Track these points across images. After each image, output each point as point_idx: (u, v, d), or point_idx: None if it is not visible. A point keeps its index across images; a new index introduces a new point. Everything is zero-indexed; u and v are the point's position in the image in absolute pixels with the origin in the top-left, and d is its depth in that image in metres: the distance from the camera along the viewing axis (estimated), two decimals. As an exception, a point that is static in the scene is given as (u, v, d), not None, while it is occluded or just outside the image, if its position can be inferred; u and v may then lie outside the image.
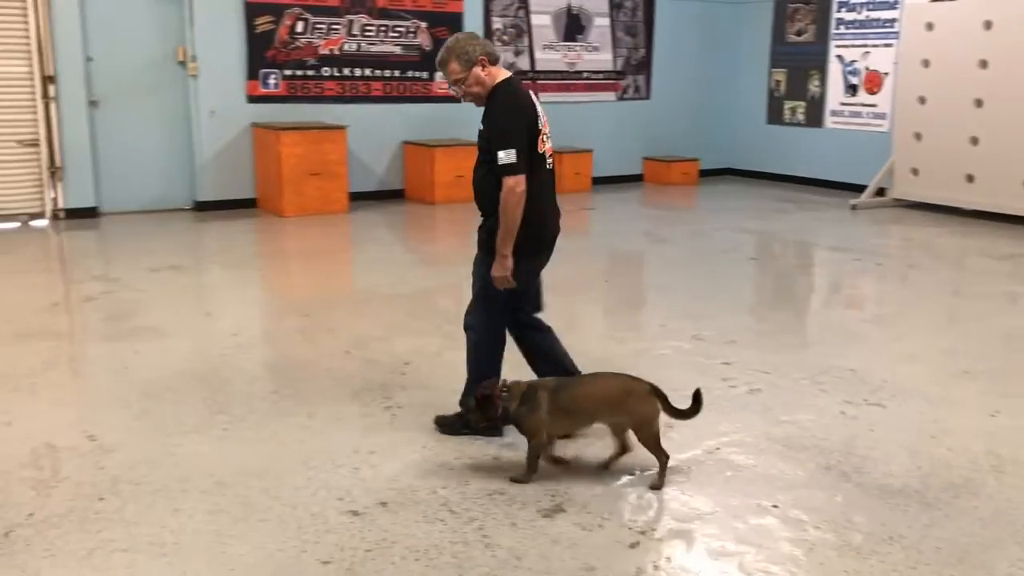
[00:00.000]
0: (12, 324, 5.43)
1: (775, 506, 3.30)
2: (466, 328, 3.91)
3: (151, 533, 3.04)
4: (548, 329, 4.03)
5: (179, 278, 6.74)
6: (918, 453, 3.77)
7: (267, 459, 3.64)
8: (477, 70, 3.65)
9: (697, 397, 3.48)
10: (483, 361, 3.82)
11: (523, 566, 2.87)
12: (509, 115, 3.62)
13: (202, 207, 9.44)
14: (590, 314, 5.98)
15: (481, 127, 3.71)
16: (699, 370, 4.74)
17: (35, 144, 8.66)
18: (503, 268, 3.65)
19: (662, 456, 3.44)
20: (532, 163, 3.63)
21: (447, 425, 3.88)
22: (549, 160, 3.79)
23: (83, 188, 8.92)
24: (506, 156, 3.54)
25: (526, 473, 3.45)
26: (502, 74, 3.72)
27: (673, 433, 3.93)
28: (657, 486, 3.41)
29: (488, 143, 3.64)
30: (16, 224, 8.61)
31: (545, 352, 3.98)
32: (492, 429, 3.73)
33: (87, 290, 6.36)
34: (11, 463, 3.55)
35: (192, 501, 3.27)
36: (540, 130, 3.67)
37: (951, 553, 2.99)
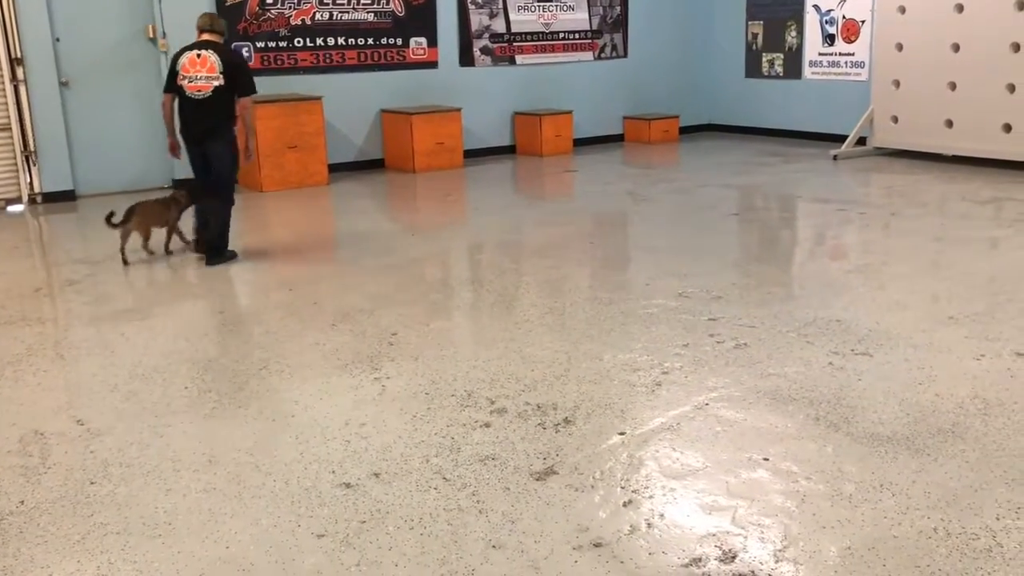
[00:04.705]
0: (-6, 312, 5.39)
1: (766, 459, 3.32)
2: None
3: (144, 515, 3.04)
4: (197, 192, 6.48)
5: (161, 258, 6.68)
6: (906, 400, 3.80)
7: (258, 435, 3.63)
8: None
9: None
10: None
11: (517, 529, 2.89)
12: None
13: (181, 185, 9.33)
14: (576, 275, 5.98)
15: None
16: (685, 327, 4.75)
17: (6, 128, 8.54)
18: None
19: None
20: (175, 90, 6.19)
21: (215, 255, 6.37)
22: (191, 93, 6.12)
23: (59, 171, 8.82)
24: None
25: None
26: (200, 38, 6.21)
27: (662, 391, 3.95)
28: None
29: None
30: (-8, 210, 8.52)
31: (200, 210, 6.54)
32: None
33: (69, 274, 6.31)
34: None
35: (184, 481, 3.27)
36: (178, 72, 6.14)
37: (940, 497, 3.02)
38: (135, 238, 6.44)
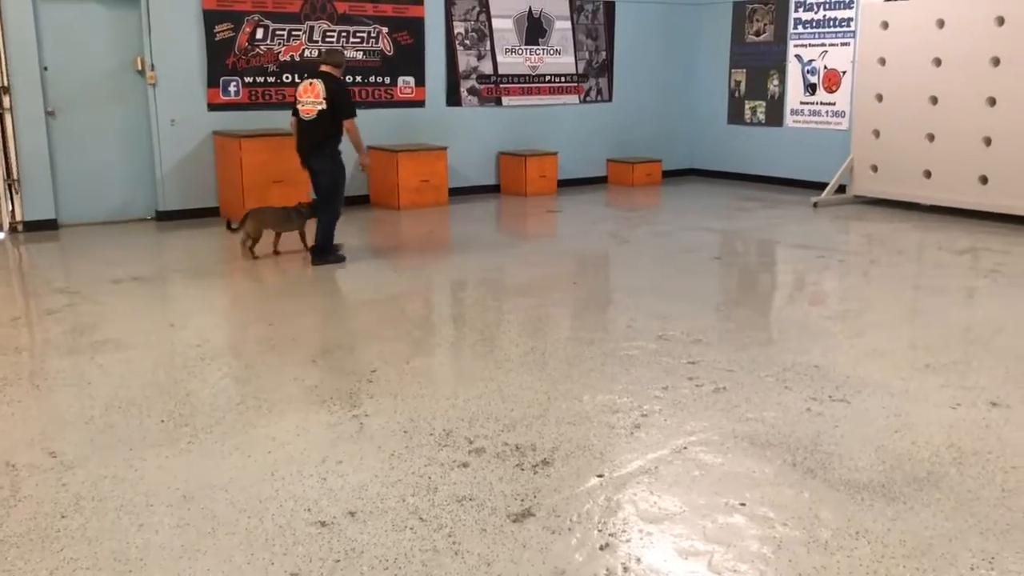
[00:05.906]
0: (-30, 340, 5.34)
1: (743, 504, 3.32)
2: None
3: (115, 550, 3.00)
4: (317, 205, 7.51)
5: (142, 289, 6.66)
6: (882, 448, 3.82)
7: (233, 471, 3.60)
8: None
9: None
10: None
11: (493, 572, 2.87)
12: None
13: (164, 217, 9.35)
14: (557, 316, 5.99)
15: None
16: (665, 369, 4.77)
17: (-10, 156, 8.52)
18: None
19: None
20: (296, 113, 7.29)
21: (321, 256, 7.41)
22: (302, 115, 7.20)
23: (42, 200, 8.79)
24: None
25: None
26: (319, 69, 7.27)
27: (640, 433, 3.95)
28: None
29: None
30: (-27, 238, 8.47)
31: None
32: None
33: (48, 303, 6.27)
34: (-30, 482, 3.49)
35: (157, 516, 3.23)
36: (296, 98, 7.26)
37: (915, 546, 3.03)
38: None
